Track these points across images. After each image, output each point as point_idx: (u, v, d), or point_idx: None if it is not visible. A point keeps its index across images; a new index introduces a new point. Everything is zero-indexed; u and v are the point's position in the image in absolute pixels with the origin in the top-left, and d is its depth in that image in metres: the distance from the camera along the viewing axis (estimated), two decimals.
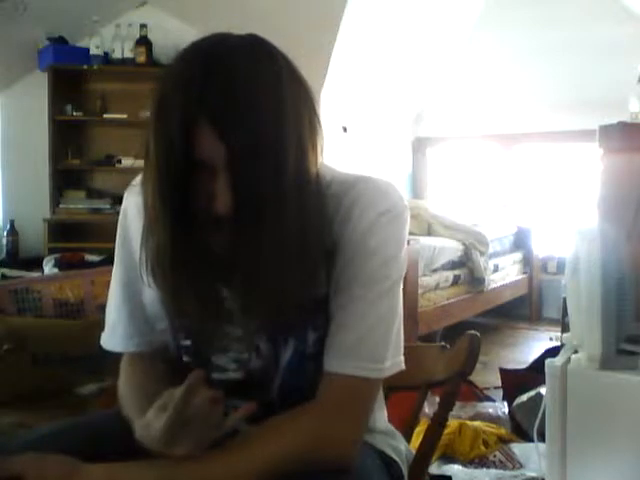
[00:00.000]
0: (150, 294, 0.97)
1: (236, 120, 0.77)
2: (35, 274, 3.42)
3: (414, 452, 1.07)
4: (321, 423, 0.86)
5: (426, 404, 2.27)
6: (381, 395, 1.05)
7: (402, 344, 0.94)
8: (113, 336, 1.05)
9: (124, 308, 1.03)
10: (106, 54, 4.20)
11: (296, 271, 0.83)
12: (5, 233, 4.19)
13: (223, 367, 0.98)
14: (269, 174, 0.79)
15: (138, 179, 0.93)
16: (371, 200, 0.89)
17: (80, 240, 4.12)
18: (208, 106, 0.77)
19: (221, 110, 0.77)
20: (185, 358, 1.01)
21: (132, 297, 1.02)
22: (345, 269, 0.89)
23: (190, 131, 0.77)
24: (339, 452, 0.86)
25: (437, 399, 1.13)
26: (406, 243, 0.93)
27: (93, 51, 4.15)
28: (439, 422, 1.08)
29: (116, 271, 1.04)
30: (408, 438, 1.14)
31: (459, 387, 1.09)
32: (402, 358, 0.93)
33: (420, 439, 1.08)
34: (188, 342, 0.99)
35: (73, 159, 4.27)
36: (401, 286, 0.93)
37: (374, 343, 0.89)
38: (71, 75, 4.24)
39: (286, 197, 0.80)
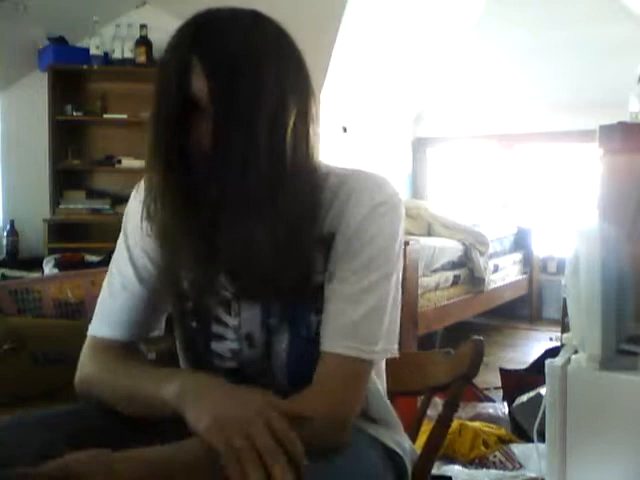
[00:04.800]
0: (148, 274, 1.01)
1: (221, 57, 0.85)
2: (35, 274, 3.41)
3: (418, 452, 1.07)
4: (314, 404, 0.86)
5: None
6: (380, 384, 1.05)
7: (397, 333, 0.96)
8: (105, 322, 1.02)
9: (121, 296, 1.02)
10: (106, 54, 4.20)
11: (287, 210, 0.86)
12: (5, 233, 4.19)
13: (222, 355, 1.01)
14: (245, 110, 0.84)
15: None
16: (367, 192, 0.94)
17: (80, 240, 4.12)
18: (198, 46, 0.85)
19: (208, 48, 0.85)
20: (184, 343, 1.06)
21: (130, 288, 1.02)
22: (340, 258, 0.93)
23: (184, 69, 0.85)
24: (332, 429, 0.86)
25: (437, 399, 1.13)
26: (401, 237, 0.95)
27: (93, 51, 4.15)
28: (443, 424, 1.08)
29: (115, 265, 1.05)
30: (412, 441, 1.13)
31: (462, 390, 1.09)
32: (396, 347, 0.96)
33: (424, 440, 1.08)
34: (194, 324, 1.02)
35: (73, 159, 4.27)
36: (398, 280, 0.96)
37: (366, 328, 0.91)
38: (71, 75, 4.24)
39: (258, 137, 0.83)
